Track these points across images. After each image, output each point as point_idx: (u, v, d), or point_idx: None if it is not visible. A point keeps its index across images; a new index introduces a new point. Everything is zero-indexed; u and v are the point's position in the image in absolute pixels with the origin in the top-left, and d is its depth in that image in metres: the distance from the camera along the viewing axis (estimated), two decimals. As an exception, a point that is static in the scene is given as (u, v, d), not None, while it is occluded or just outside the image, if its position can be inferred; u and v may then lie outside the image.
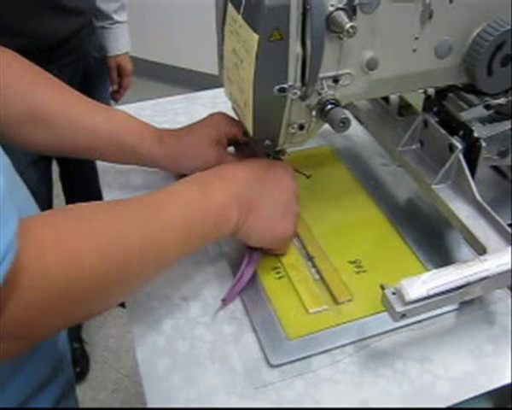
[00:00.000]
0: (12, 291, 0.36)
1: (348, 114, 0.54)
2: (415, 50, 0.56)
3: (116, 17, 1.36)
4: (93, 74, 1.31)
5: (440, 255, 0.63)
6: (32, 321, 0.39)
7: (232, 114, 0.62)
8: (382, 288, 0.51)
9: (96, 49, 1.32)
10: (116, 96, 1.48)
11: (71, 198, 1.52)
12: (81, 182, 1.41)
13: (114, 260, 0.44)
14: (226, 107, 0.65)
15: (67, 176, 1.46)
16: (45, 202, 1.29)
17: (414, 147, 0.70)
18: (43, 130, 0.64)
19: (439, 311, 0.55)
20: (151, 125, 0.69)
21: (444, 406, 0.50)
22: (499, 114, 0.64)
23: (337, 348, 0.54)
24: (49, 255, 0.39)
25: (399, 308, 0.49)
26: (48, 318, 0.41)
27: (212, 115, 0.70)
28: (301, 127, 0.57)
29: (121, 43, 1.39)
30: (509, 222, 0.59)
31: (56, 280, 0.39)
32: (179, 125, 0.83)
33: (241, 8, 0.51)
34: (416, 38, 0.56)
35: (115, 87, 1.45)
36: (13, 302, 0.37)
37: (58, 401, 0.57)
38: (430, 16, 0.54)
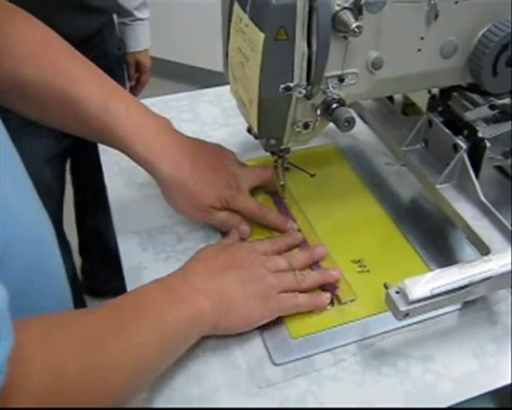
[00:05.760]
0: None
1: (353, 113, 0.54)
2: (420, 50, 0.56)
3: (137, 14, 1.37)
4: (112, 71, 1.30)
5: (444, 255, 0.63)
6: None
7: (237, 111, 0.62)
8: (386, 287, 0.51)
9: (117, 46, 1.33)
10: (134, 93, 1.50)
11: (79, 192, 1.52)
12: (90, 174, 1.42)
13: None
14: (231, 104, 0.65)
15: (78, 169, 1.47)
16: (58, 198, 1.30)
17: (418, 146, 0.70)
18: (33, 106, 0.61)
19: (441, 310, 0.55)
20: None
21: (446, 405, 0.51)
22: (504, 114, 0.64)
23: (340, 347, 0.55)
24: None
25: (403, 307, 0.49)
26: None
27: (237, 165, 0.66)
28: (306, 126, 0.57)
29: (141, 40, 1.41)
30: (513, 223, 0.59)
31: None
32: (184, 123, 0.83)
33: (247, 7, 0.52)
34: (422, 38, 0.56)
35: (133, 83, 1.47)
36: None
37: None
38: (436, 16, 0.54)
